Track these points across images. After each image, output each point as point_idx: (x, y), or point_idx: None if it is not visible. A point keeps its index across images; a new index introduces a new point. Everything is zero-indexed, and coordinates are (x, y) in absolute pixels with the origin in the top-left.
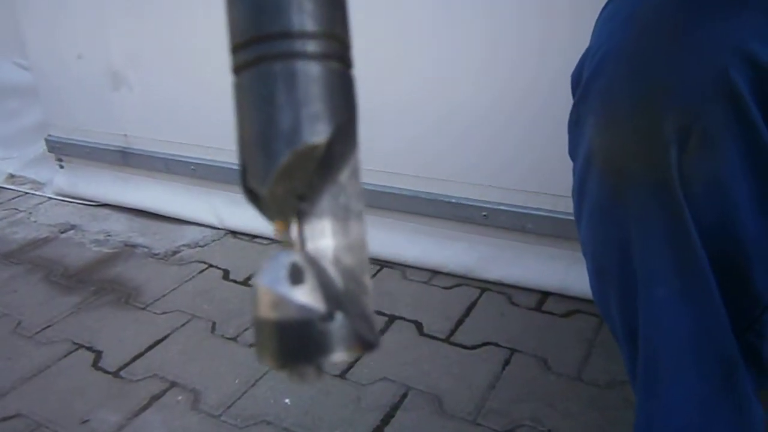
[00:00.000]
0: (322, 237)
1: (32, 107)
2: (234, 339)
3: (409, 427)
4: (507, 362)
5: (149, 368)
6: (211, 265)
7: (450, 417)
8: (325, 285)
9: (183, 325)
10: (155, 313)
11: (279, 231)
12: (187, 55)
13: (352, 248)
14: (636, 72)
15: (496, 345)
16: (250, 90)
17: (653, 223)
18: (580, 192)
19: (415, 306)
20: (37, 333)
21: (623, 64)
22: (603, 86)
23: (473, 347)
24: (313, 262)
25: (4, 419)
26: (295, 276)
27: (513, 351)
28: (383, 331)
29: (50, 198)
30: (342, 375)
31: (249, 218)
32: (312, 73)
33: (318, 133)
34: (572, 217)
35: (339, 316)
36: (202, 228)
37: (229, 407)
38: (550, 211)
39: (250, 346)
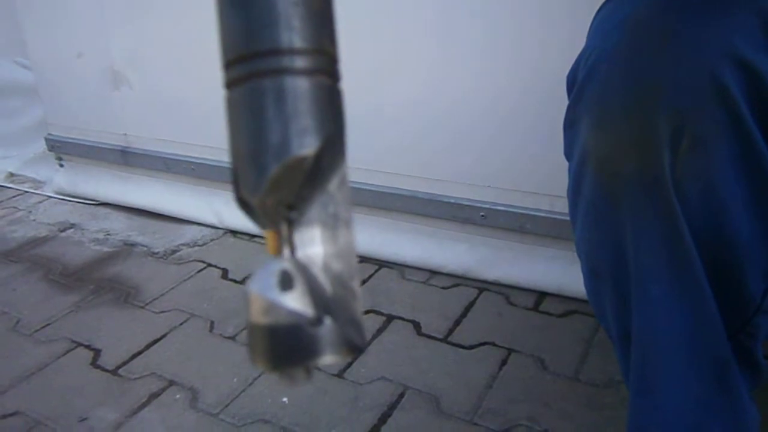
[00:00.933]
0: (312, 244)
1: (32, 106)
2: (232, 338)
3: (406, 426)
4: (504, 362)
5: (148, 367)
6: (210, 265)
7: (447, 417)
8: (314, 291)
9: (181, 324)
10: (154, 311)
11: (270, 238)
12: (188, 54)
13: (341, 255)
14: (629, 74)
15: (494, 345)
16: (241, 105)
17: (646, 223)
18: (575, 192)
19: (413, 306)
20: (36, 331)
21: (617, 66)
22: (597, 88)
23: (471, 347)
24: (303, 269)
25: (3, 417)
26: (285, 282)
27: (510, 351)
28: (381, 330)
29: (50, 197)
30: (340, 374)
31: None
32: (300, 88)
33: (306, 146)
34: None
35: (328, 321)
36: (202, 227)
37: (227, 406)
38: (548, 211)
39: None
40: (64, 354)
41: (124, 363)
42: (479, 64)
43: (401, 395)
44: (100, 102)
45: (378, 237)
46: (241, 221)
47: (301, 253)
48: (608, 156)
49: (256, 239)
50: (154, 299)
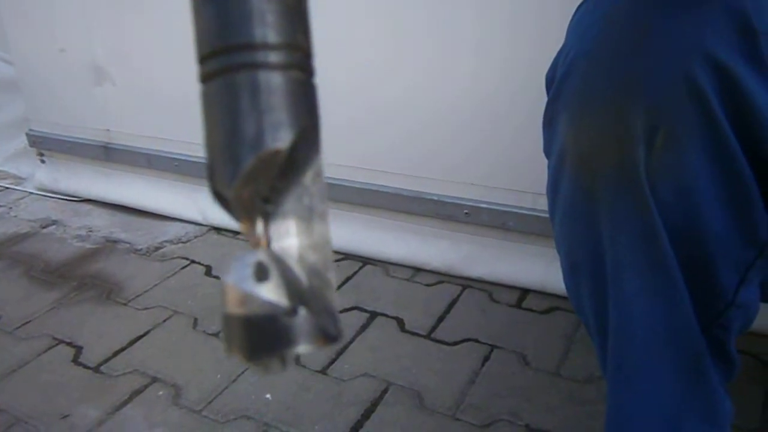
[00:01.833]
0: (287, 236)
1: (13, 101)
2: (216, 335)
3: (390, 422)
4: (487, 358)
5: (130, 363)
6: (193, 261)
7: (430, 412)
8: (289, 282)
9: (165, 320)
10: (137, 308)
11: (245, 231)
12: (171, 50)
13: (316, 246)
14: (606, 73)
15: (477, 341)
16: (215, 99)
17: (622, 219)
18: (553, 189)
19: (397, 302)
20: (18, 328)
21: (593, 65)
22: (574, 86)
23: (454, 343)
24: (278, 260)
25: None
26: (261, 274)
27: (493, 347)
28: (365, 327)
29: (31, 193)
30: (323, 370)
31: None
32: (274, 82)
33: (280, 140)
34: None
35: (303, 311)
36: (185, 224)
37: (210, 402)
38: (531, 209)
39: None
40: (46, 351)
41: (107, 360)
42: (468, 68)
43: (384, 391)
44: (82, 97)
45: (362, 234)
46: (225, 218)
47: (276, 245)
48: (585, 153)
49: (240, 236)
50: (137, 296)
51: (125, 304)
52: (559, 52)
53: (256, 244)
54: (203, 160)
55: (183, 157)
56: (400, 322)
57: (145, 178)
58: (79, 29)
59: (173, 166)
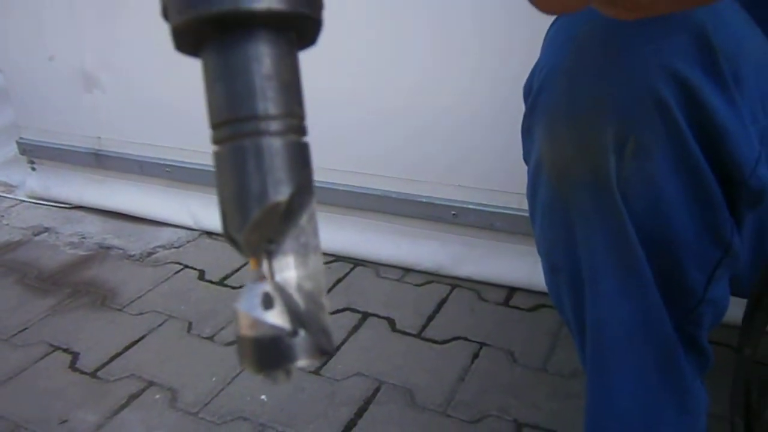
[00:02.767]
0: (287, 270)
1: (3, 109)
2: (210, 338)
3: (382, 420)
4: (476, 356)
5: (126, 368)
6: (186, 266)
7: (421, 409)
8: (290, 308)
9: (159, 325)
10: (131, 314)
11: (253, 266)
12: (160, 56)
13: (312, 277)
14: (577, 88)
15: (466, 339)
16: (226, 160)
17: (596, 224)
18: (532, 195)
19: (387, 303)
20: (13, 336)
21: (566, 80)
22: (549, 100)
23: (444, 342)
24: (281, 290)
25: None
26: (267, 302)
27: (482, 345)
28: (357, 327)
29: (23, 201)
30: (317, 371)
31: None
32: (275, 146)
33: (281, 193)
34: None
35: (302, 332)
36: (177, 229)
37: (206, 405)
38: (517, 209)
39: (227, 344)
40: (43, 357)
41: (103, 365)
42: (459, 78)
43: (377, 390)
44: (72, 105)
45: (353, 236)
46: (217, 222)
47: (278, 277)
48: (560, 162)
49: None
50: (132, 302)
51: (120, 310)
52: (535, 67)
53: (262, 278)
54: (195, 166)
55: (174, 163)
56: (391, 322)
57: (137, 185)
58: (68, 37)
59: (165, 172)
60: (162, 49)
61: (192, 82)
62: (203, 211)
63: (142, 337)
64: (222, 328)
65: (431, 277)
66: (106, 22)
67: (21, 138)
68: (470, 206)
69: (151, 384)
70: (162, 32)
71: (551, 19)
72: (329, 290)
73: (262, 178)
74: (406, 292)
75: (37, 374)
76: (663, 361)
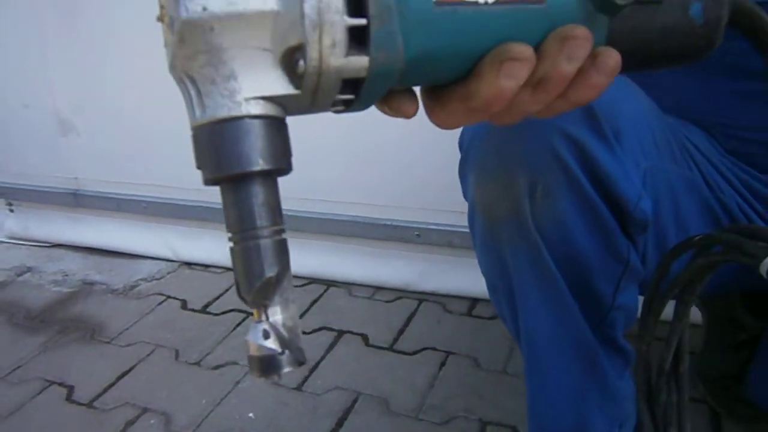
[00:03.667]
0: (277, 314)
1: None
2: (197, 363)
3: (361, 428)
4: (443, 364)
5: (120, 397)
6: (169, 297)
7: (396, 416)
8: (279, 337)
9: (148, 355)
10: (120, 345)
11: (256, 315)
12: (133, 100)
13: (291, 317)
14: (495, 148)
15: (434, 349)
16: (238, 254)
17: (519, 253)
18: (471, 227)
19: (361, 320)
20: (8, 374)
21: (486, 143)
22: (475, 156)
23: (414, 353)
24: (273, 327)
25: None
26: (265, 335)
27: (448, 353)
28: (333, 344)
29: (2, 242)
30: (298, 387)
31: (202, 249)
32: (267, 245)
33: (272, 272)
34: None
35: (287, 352)
36: (158, 261)
37: (199, 425)
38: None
39: (214, 368)
40: (39, 393)
41: (98, 396)
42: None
43: (354, 401)
44: (48, 148)
45: (325, 259)
46: (196, 253)
47: (271, 319)
48: (488, 204)
49: (211, 269)
50: (119, 334)
51: (109, 343)
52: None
53: (261, 320)
54: (171, 201)
55: (151, 199)
56: (365, 338)
57: (115, 221)
58: (41, 84)
59: (142, 208)
60: (134, 93)
61: (164, 121)
62: (181, 242)
63: (133, 367)
64: (208, 354)
65: (400, 293)
66: (78, 70)
67: None
68: (431, 227)
69: (145, 410)
70: (133, 77)
71: None
72: (306, 311)
73: (260, 263)
74: (378, 309)
75: (36, 409)
76: (585, 364)
